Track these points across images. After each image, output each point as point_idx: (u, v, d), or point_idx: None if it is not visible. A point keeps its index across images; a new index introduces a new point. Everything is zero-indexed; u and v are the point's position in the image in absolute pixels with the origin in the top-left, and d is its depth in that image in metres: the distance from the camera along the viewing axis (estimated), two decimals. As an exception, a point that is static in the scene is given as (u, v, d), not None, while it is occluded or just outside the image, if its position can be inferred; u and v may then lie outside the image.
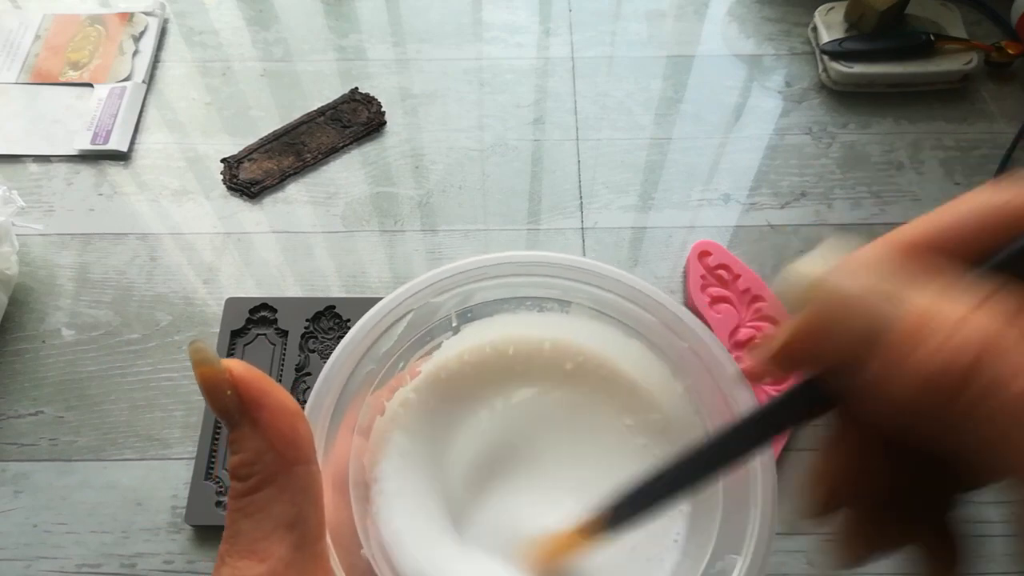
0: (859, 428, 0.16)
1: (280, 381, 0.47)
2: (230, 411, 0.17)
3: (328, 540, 0.19)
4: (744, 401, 0.22)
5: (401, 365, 0.25)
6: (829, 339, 0.14)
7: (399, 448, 0.24)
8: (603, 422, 0.25)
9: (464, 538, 0.23)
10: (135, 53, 0.63)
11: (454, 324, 0.25)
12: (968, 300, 0.12)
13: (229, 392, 0.17)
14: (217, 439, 0.46)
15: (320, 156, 0.58)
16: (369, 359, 0.23)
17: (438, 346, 0.25)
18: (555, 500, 0.24)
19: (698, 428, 0.24)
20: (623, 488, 0.20)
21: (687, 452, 0.18)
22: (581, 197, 0.56)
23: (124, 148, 0.58)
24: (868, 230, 0.54)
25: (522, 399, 0.25)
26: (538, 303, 0.25)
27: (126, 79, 0.61)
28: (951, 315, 0.12)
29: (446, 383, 0.25)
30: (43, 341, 0.50)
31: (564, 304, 0.25)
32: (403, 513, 0.23)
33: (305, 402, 0.21)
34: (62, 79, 0.61)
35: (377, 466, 0.23)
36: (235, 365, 0.17)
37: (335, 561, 0.19)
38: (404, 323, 0.23)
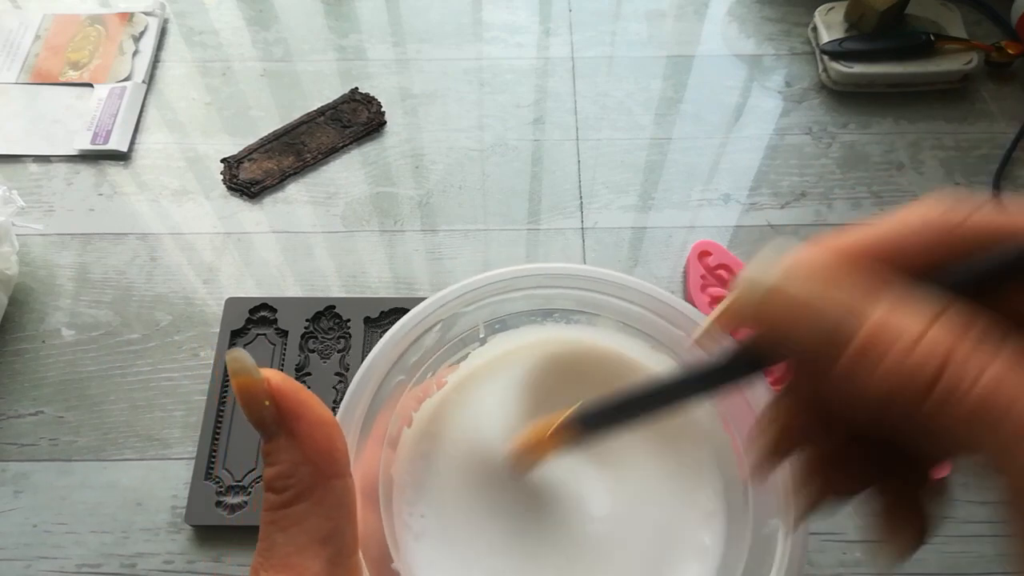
0: (812, 382, 0.16)
1: (280, 381, 0.47)
2: (267, 422, 0.17)
3: (360, 554, 0.18)
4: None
5: (429, 375, 0.24)
6: (788, 341, 0.15)
7: (428, 455, 0.23)
8: (628, 437, 0.25)
9: (497, 546, 0.23)
10: (135, 53, 0.63)
11: (482, 335, 0.25)
12: (924, 314, 0.14)
13: (267, 403, 0.17)
14: (217, 439, 0.46)
15: (320, 156, 0.58)
16: (398, 370, 0.23)
17: (465, 356, 0.25)
18: (581, 514, 0.23)
19: (726, 443, 0.24)
20: (596, 402, 0.20)
21: (659, 380, 0.19)
22: (581, 197, 0.56)
23: (124, 148, 0.58)
24: (868, 230, 0.54)
25: (546, 408, 0.25)
26: (565, 315, 0.25)
27: (126, 79, 0.61)
28: (911, 328, 0.13)
29: (471, 392, 0.25)
30: (43, 341, 0.50)
31: (591, 317, 0.25)
32: (435, 525, 0.22)
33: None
34: (62, 79, 0.61)
35: (407, 475, 0.23)
36: (273, 375, 0.17)
37: (367, 574, 0.19)
38: (433, 334, 0.23)
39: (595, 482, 0.24)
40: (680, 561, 0.22)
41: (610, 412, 0.19)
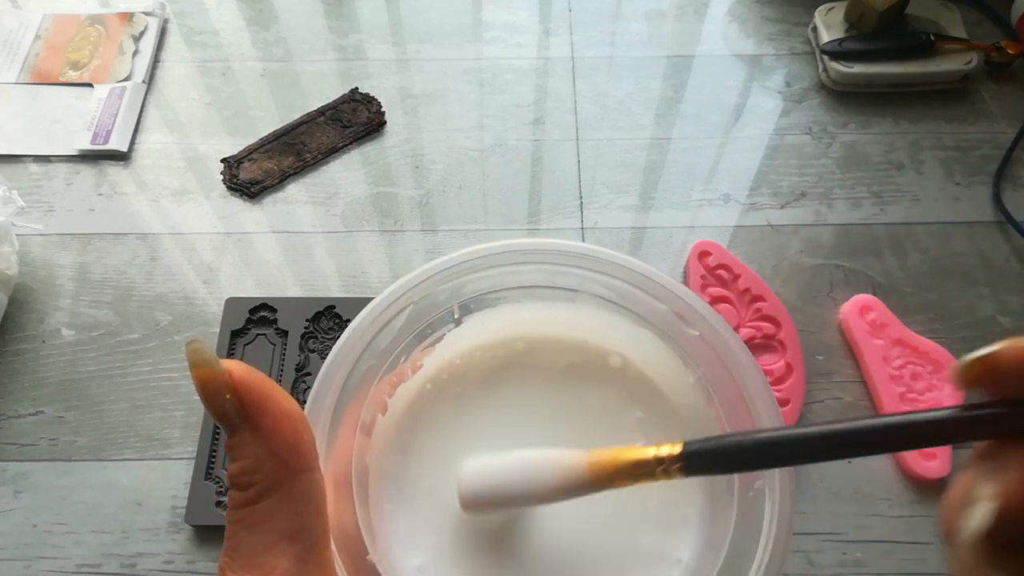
0: None
1: (280, 381, 0.47)
2: (229, 416, 0.16)
3: (333, 547, 0.18)
4: (758, 389, 0.21)
5: (403, 359, 0.24)
6: None
7: (407, 444, 0.23)
8: (613, 414, 0.24)
9: (473, 537, 0.23)
10: (135, 53, 0.63)
11: (456, 316, 0.24)
12: None
13: (228, 396, 0.16)
14: (217, 439, 0.46)
15: (320, 156, 0.58)
16: (369, 355, 0.22)
17: (440, 339, 0.24)
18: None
19: (710, 418, 0.23)
20: (719, 438, 0.18)
21: (811, 430, 0.17)
22: (581, 197, 0.56)
23: (124, 148, 0.58)
24: (868, 230, 0.54)
25: (529, 392, 0.25)
26: (543, 293, 0.24)
27: (126, 79, 0.61)
28: None
29: (450, 378, 0.24)
30: (43, 341, 0.50)
31: (570, 293, 0.24)
32: (412, 514, 0.22)
33: (305, 402, 0.21)
34: (62, 79, 0.61)
35: (384, 464, 0.23)
36: (235, 367, 0.16)
37: (340, 568, 0.18)
38: (404, 317, 0.23)
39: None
40: (665, 529, 0.22)
41: (738, 455, 0.18)
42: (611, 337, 0.25)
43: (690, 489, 0.23)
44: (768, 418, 0.21)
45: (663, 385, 0.24)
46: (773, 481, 0.21)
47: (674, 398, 0.24)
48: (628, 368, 0.25)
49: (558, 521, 0.22)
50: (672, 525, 0.23)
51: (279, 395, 0.17)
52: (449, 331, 0.24)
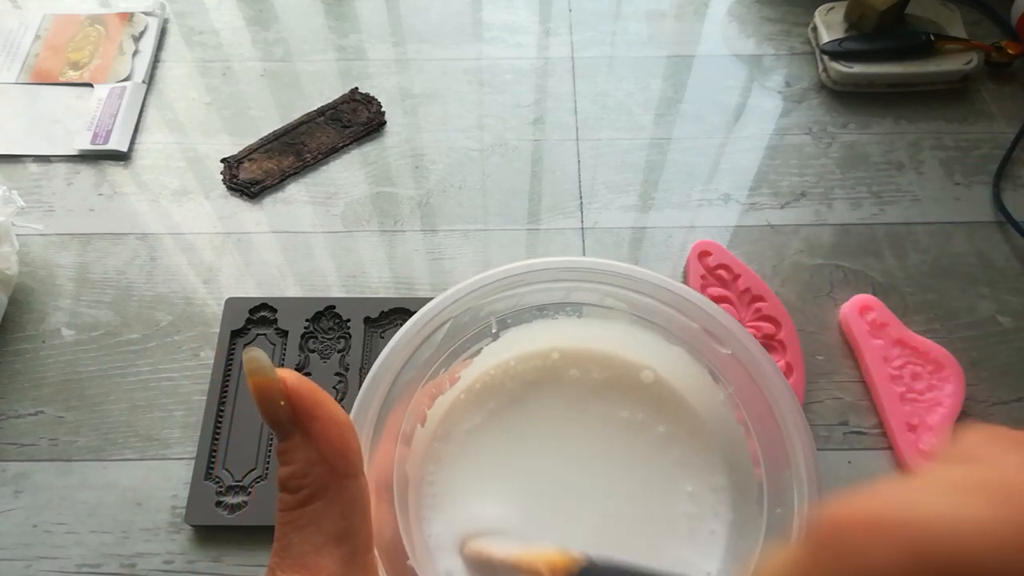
0: None
1: (280, 381, 0.47)
2: (282, 421, 0.17)
3: (375, 552, 0.19)
4: (789, 407, 0.22)
5: (442, 371, 0.24)
6: None
7: (442, 454, 0.24)
8: (639, 429, 0.25)
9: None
10: (135, 53, 0.63)
11: (494, 330, 0.25)
12: None
13: (282, 403, 0.17)
14: (217, 439, 0.46)
15: (320, 156, 0.58)
16: (410, 367, 0.23)
17: (478, 352, 0.25)
18: (585, 510, 0.23)
19: (738, 435, 0.23)
20: (611, 563, 0.19)
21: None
22: (581, 197, 0.56)
23: (124, 148, 0.58)
24: (868, 230, 0.54)
25: (558, 405, 0.25)
26: (577, 308, 0.25)
27: (126, 79, 0.61)
28: None
29: (486, 389, 0.25)
30: (43, 341, 0.50)
31: (605, 311, 0.25)
32: (447, 521, 0.22)
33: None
34: (62, 79, 0.61)
35: (422, 473, 0.23)
36: (289, 375, 0.17)
37: (383, 572, 0.19)
38: (444, 331, 0.23)
39: (600, 479, 0.24)
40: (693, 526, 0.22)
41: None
42: (643, 353, 0.25)
43: (719, 504, 0.23)
44: (798, 436, 0.22)
45: (693, 401, 0.25)
46: (802, 496, 0.21)
47: (703, 413, 0.24)
48: (659, 383, 0.25)
49: (587, 535, 0.23)
50: (700, 539, 0.23)
51: (329, 403, 0.18)
52: (487, 344, 0.25)
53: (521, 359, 0.25)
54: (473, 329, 0.24)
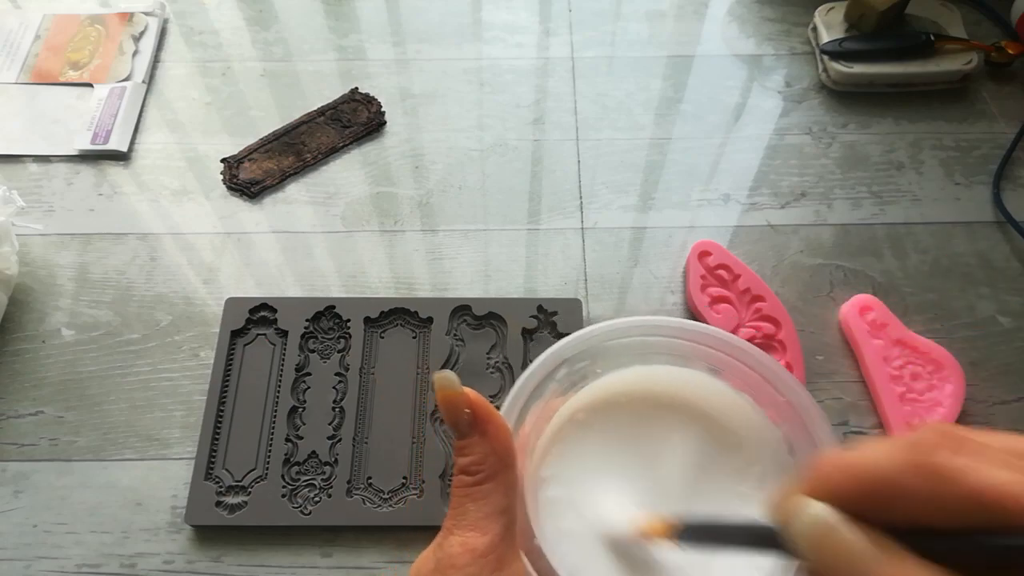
0: None
1: (280, 381, 0.48)
2: (463, 425, 0.23)
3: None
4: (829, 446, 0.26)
5: (557, 398, 0.29)
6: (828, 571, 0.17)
7: (559, 460, 0.28)
8: (713, 461, 0.29)
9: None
10: (135, 53, 0.63)
11: (598, 371, 0.29)
12: None
13: (467, 411, 0.23)
14: (217, 439, 0.46)
15: (320, 156, 0.58)
16: (534, 396, 0.27)
17: (584, 385, 0.29)
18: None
19: (792, 470, 0.27)
20: (701, 517, 0.23)
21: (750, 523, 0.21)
22: (581, 197, 0.56)
23: (124, 148, 0.58)
24: (868, 230, 0.54)
25: (655, 437, 0.29)
26: (667, 358, 0.30)
27: (126, 79, 0.61)
28: None
29: (582, 409, 0.29)
30: (43, 341, 0.50)
31: (683, 359, 0.29)
32: (565, 516, 0.27)
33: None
34: (62, 79, 0.61)
35: (543, 472, 0.28)
36: (470, 392, 0.23)
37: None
38: (562, 371, 0.28)
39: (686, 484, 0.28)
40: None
41: (703, 534, 0.23)
42: (712, 400, 0.30)
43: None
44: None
45: (753, 440, 0.29)
46: None
47: (762, 453, 0.28)
48: (728, 426, 0.29)
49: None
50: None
51: (497, 413, 0.24)
52: (593, 379, 0.30)
53: (612, 388, 0.30)
54: (581, 367, 0.29)
